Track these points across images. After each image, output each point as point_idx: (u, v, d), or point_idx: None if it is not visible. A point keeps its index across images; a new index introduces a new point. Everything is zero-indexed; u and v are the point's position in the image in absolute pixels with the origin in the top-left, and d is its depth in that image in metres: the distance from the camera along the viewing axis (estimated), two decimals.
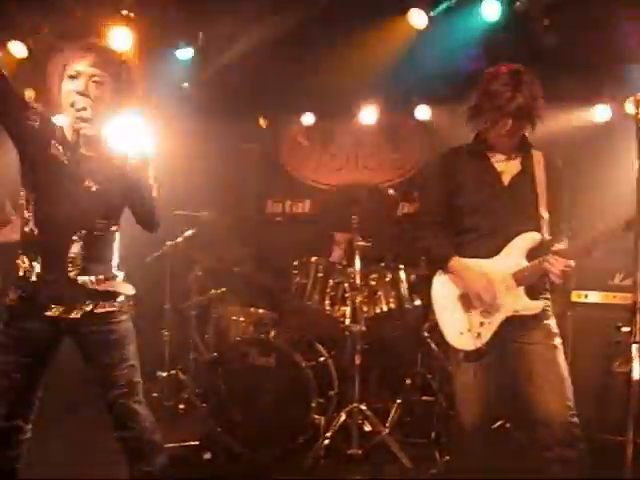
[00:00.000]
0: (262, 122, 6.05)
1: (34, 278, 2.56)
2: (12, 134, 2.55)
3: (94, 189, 2.58)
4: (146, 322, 4.58)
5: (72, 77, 2.50)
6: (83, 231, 2.57)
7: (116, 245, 2.70)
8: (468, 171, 2.90)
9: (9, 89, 2.49)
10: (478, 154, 2.91)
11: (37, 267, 2.57)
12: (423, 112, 5.75)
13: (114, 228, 2.68)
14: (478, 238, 2.85)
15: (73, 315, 2.57)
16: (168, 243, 5.21)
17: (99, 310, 2.60)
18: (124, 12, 4.82)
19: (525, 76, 2.73)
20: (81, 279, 2.57)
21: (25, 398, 2.62)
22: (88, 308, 2.58)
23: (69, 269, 2.55)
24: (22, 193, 2.59)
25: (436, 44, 4.82)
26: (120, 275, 2.70)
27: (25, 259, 2.59)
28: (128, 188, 2.61)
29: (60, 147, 2.57)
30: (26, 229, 2.59)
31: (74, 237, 2.56)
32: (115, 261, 2.70)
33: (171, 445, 3.92)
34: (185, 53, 5.36)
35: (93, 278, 2.59)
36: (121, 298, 2.67)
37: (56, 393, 4.25)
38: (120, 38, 4.97)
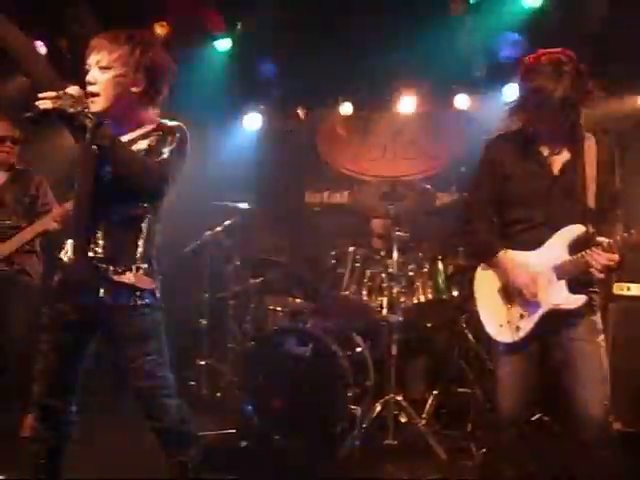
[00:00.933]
0: (300, 112, 6.04)
1: (68, 263, 2.61)
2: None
3: (109, 175, 2.54)
4: (184, 311, 4.68)
5: (87, 71, 2.55)
6: (102, 218, 2.55)
7: (143, 234, 2.62)
8: (515, 161, 2.83)
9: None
10: (526, 143, 2.83)
11: (70, 253, 2.62)
12: (462, 101, 5.66)
13: (137, 213, 2.61)
14: (524, 230, 2.80)
15: (95, 305, 2.57)
16: (207, 233, 5.26)
17: (120, 303, 2.57)
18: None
19: (566, 65, 2.64)
20: (102, 268, 2.54)
21: (62, 380, 2.65)
22: (108, 300, 2.56)
23: (91, 257, 2.55)
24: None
25: (476, 30, 4.76)
26: (145, 266, 2.62)
27: (66, 244, 2.65)
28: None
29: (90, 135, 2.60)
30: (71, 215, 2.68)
31: (95, 224, 2.55)
32: (140, 251, 2.61)
33: (208, 433, 3.98)
34: (223, 44, 5.38)
35: (113, 268, 2.55)
36: (142, 292, 2.60)
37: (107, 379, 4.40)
38: (159, 30, 5.06)
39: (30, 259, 4.20)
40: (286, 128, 6.21)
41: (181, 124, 2.65)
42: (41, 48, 5.42)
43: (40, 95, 2.36)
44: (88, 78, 2.51)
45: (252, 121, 6.12)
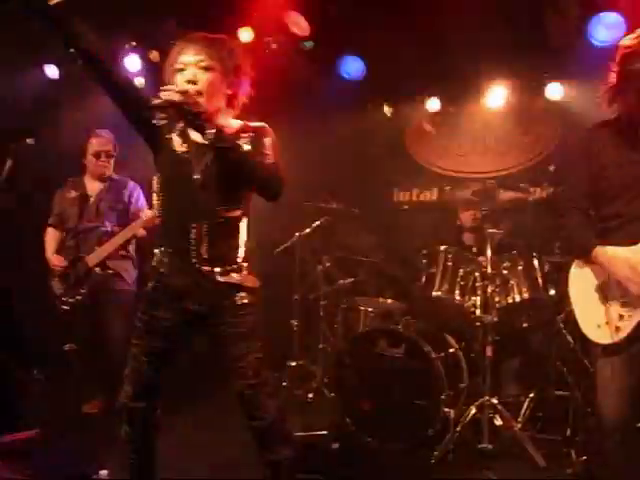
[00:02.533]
0: (387, 110, 5.97)
1: (163, 269, 2.66)
2: (140, 133, 2.67)
3: (208, 177, 2.59)
4: (275, 312, 4.71)
5: (180, 70, 2.56)
6: (204, 221, 2.58)
7: (242, 235, 2.67)
8: (613, 149, 2.68)
9: (131, 91, 2.62)
10: (625, 131, 2.68)
11: (166, 258, 2.66)
12: (555, 91, 5.43)
13: (236, 215, 2.65)
14: (622, 224, 2.65)
15: (200, 308, 2.63)
16: (297, 234, 5.29)
17: (225, 303, 2.61)
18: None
19: None
20: (206, 270, 2.59)
21: (151, 382, 2.71)
22: (214, 301, 2.61)
23: (193, 261, 2.59)
24: (155, 185, 2.68)
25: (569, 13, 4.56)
26: (246, 266, 2.67)
27: (157, 250, 2.68)
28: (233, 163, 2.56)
29: (179, 140, 2.64)
30: (158, 221, 2.70)
31: (196, 228, 2.58)
32: (241, 252, 2.67)
33: (299, 434, 4.00)
34: (307, 44, 5.39)
35: (218, 269, 2.60)
36: (247, 291, 2.65)
37: (192, 380, 4.51)
38: (245, 34, 5.14)
39: (124, 264, 4.36)
40: (373, 127, 6.16)
41: (266, 124, 2.68)
42: (136, 61, 5.62)
43: (166, 87, 2.43)
44: (188, 76, 2.53)
45: (338, 121, 6.11)
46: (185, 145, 2.64)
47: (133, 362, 2.70)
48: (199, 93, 2.50)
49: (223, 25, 4.97)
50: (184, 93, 2.42)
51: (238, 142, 2.54)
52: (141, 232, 4.28)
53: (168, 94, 2.40)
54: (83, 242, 4.33)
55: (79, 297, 4.24)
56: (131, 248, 4.45)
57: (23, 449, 3.76)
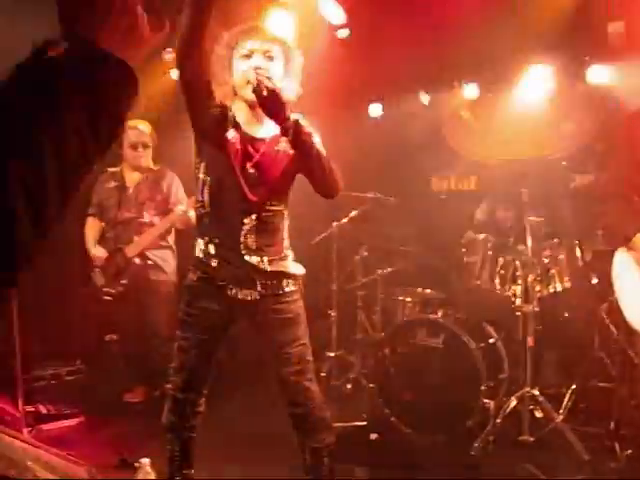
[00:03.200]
0: (423, 98, 5.90)
1: (210, 260, 2.67)
2: (195, 120, 2.62)
3: (260, 171, 2.62)
4: (314, 303, 4.70)
5: (246, 56, 2.58)
6: (253, 213, 2.62)
7: (286, 225, 2.74)
8: None
9: (200, 74, 2.53)
10: None
11: (212, 249, 2.67)
12: (598, 74, 5.27)
13: (282, 208, 2.71)
14: None
15: (248, 296, 2.66)
16: (334, 224, 5.26)
17: (273, 291, 2.66)
18: None
19: None
20: (255, 260, 2.63)
21: (199, 373, 2.75)
22: (262, 289, 2.65)
23: (242, 251, 2.62)
24: (199, 176, 2.67)
25: None
26: (291, 255, 2.75)
27: (201, 241, 2.70)
28: (299, 158, 2.60)
29: (234, 132, 2.63)
30: (202, 211, 2.69)
31: (245, 219, 2.61)
32: (286, 241, 2.75)
33: (338, 425, 3.98)
34: (343, 32, 5.34)
35: (266, 259, 2.64)
36: (293, 278, 2.71)
37: (233, 369, 4.53)
38: (280, 22, 5.09)
39: (164, 254, 4.39)
40: (409, 114, 6.09)
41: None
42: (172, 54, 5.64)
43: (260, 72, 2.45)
44: (257, 63, 2.55)
45: (375, 109, 6.07)
46: (238, 137, 2.63)
47: (180, 354, 2.73)
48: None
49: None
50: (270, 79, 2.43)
51: (312, 134, 2.55)
52: (180, 222, 4.31)
53: (263, 79, 2.40)
54: (122, 233, 4.37)
55: (120, 288, 4.28)
56: (170, 238, 4.47)
57: (67, 437, 3.85)
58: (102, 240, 4.46)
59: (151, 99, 5.03)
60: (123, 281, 4.28)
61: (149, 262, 4.31)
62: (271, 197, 2.64)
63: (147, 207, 4.38)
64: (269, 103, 2.41)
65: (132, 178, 4.48)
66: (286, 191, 2.72)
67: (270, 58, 2.59)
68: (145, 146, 4.42)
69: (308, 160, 2.55)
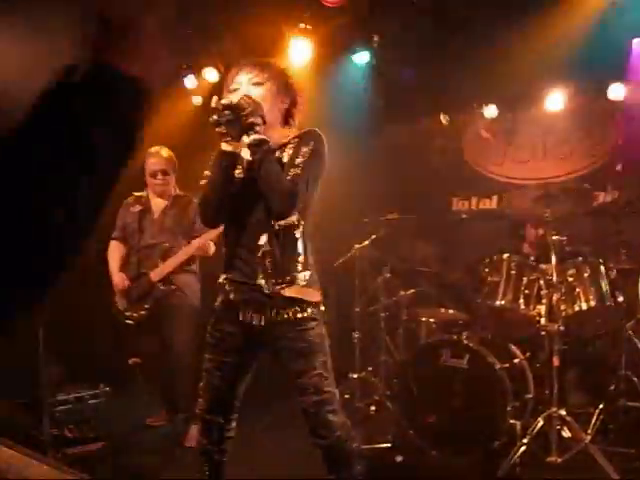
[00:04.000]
0: (443, 119, 5.92)
1: (227, 283, 2.69)
2: None
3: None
4: (337, 325, 4.70)
5: (235, 90, 2.62)
6: (264, 235, 2.60)
7: (300, 247, 2.64)
8: None
9: None
10: None
11: (229, 273, 2.69)
12: (617, 90, 5.25)
13: (291, 221, 2.62)
14: None
15: (259, 321, 2.63)
16: (356, 246, 5.26)
17: (285, 317, 2.60)
18: (302, 25, 4.95)
19: None
20: (266, 284, 2.58)
21: (225, 397, 2.74)
22: (274, 314, 2.61)
23: (254, 274, 2.60)
24: None
25: (629, 12, 4.42)
26: (306, 279, 2.63)
27: (223, 262, 2.72)
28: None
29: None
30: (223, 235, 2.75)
31: (257, 241, 2.60)
32: (300, 264, 2.64)
33: (362, 447, 3.94)
34: (362, 57, 5.40)
35: (278, 283, 2.58)
36: (306, 304, 2.62)
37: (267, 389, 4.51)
38: (300, 49, 5.16)
39: (188, 278, 4.39)
40: (430, 135, 6.11)
41: (316, 129, 2.68)
42: (192, 80, 5.74)
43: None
44: (244, 91, 2.58)
45: (395, 131, 6.09)
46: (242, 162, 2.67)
47: (207, 376, 2.73)
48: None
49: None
50: (242, 98, 2.48)
51: (276, 153, 2.58)
52: (205, 249, 4.30)
53: (226, 99, 2.48)
54: (146, 258, 4.36)
55: (143, 312, 4.29)
56: (194, 263, 4.47)
57: (91, 461, 3.85)
58: (125, 265, 4.45)
59: (173, 124, 5.11)
60: (146, 306, 4.29)
61: (172, 287, 4.31)
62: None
63: (172, 233, 4.37)
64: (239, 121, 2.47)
65: (157, 204, 4.46)
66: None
67: (257, 84, 2.61)
68: (165, 173, 4.40)
69: (258, 174, 2.55)
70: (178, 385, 4.22)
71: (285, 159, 2.61)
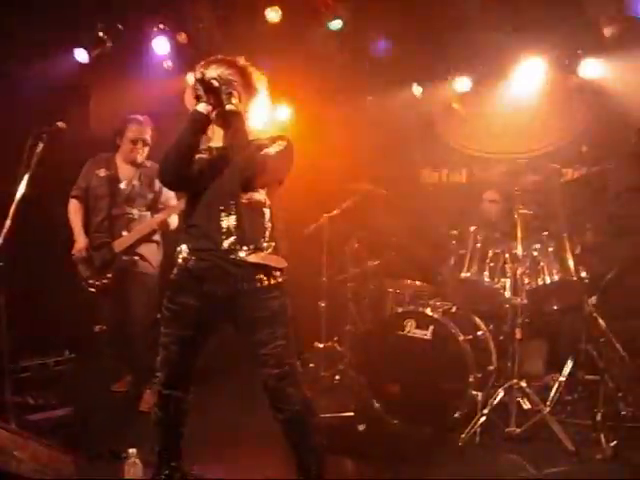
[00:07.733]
0: (416, 90, 5.88)
1: (188, 253, 2.66)
2: None
3: (232, 162, 2.62)
4: (303, 294, 4.71)
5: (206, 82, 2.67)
6: (231, 202, 2.61)
7: (267, 218, 2.69)
8: None
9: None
10: None
11: (190, 242, 2.67)
12: (590, 68, 5.24)
13: (259, 199, 2.68)
14: None
15: (222, 290, 2.62)
16: (324, 215, 5.26)
17: (248, 285, 2.61)
18: None
19: None
20: (235, 251, 2.59)
21: (181, 370, 2.74)
22: (239, 282, 2.61)
23: (219, 242, 2.60)
24: None
25: None
26: (271, 247, 2.67)
27: (183, 234, 2.70)
28: None
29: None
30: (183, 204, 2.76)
31: (222, 210, 2.61)
32: (267, 232, 2.68)
33: (326, 415, 3.99)
34: (335, 24, 5.33)
35: (244, 250, 2.60)
36: (271, 271, 2.64)
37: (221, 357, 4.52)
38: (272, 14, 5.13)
39: (150, 247, 4.35)
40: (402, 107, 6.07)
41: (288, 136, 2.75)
42: (164, 43, 5.60)
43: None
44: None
45: (370, 102, 6.05)
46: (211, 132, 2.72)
47: (164, 351, 2.72)
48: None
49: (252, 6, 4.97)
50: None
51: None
52: (168, 222, 4.27)
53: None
54: (111, 227, 4.29)
55: (105, 281, 4.25)
56: (157, 233, 4.42)
57: (54, 427, 3.84)
58: (94, 232, 4.35)
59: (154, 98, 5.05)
60: (109, 274, 4.24)
61: (135, 257, 4.27)
62: (242, 186, 2.63)
63: (138, 204, 4.32)
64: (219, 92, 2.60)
65: (125, 171, 4.37)
66: (253, 179, 2.67)
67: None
68: (145, 143, 4.34)
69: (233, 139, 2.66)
70: (138, 352, 4.20)
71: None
